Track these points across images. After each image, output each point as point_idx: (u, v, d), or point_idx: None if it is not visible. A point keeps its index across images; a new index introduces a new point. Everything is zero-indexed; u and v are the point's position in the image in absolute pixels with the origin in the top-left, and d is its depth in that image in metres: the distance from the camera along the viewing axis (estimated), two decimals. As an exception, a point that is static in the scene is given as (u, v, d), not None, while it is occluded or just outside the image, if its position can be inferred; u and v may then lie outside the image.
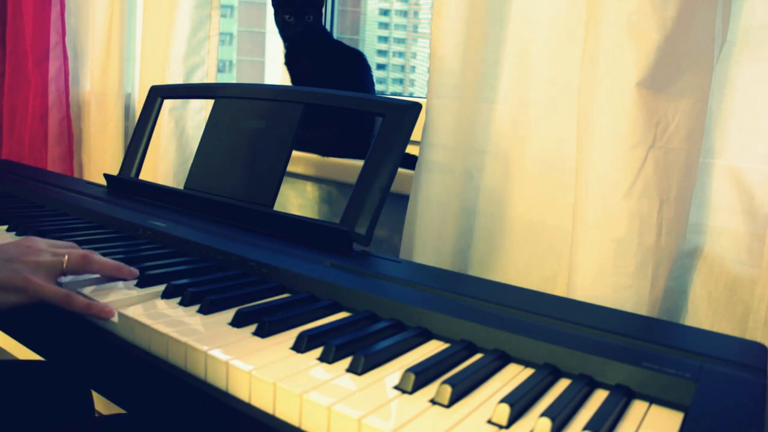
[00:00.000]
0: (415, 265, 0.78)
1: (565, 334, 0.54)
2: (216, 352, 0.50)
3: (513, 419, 0.43)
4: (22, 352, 1.86)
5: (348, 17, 1.62)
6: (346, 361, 0.50)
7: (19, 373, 0.93)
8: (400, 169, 0.82)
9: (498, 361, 0.52)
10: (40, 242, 0.65)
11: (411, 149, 0.88)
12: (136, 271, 0.66)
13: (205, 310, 0.59)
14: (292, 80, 1.22)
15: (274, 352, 0.51)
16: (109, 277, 0.66)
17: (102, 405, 1.60)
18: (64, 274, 0.63)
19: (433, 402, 0.45)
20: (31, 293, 0.60)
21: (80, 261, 0.63)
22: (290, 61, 1.21)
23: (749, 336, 0.69)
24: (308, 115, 0.93)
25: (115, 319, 0.58)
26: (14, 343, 1.89)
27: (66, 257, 0.63)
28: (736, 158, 0.72)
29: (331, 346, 0.51)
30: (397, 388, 0.47)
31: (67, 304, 0.60)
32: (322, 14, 1.20)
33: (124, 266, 0.65)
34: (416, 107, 0.82)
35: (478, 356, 0.54)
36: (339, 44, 1.22)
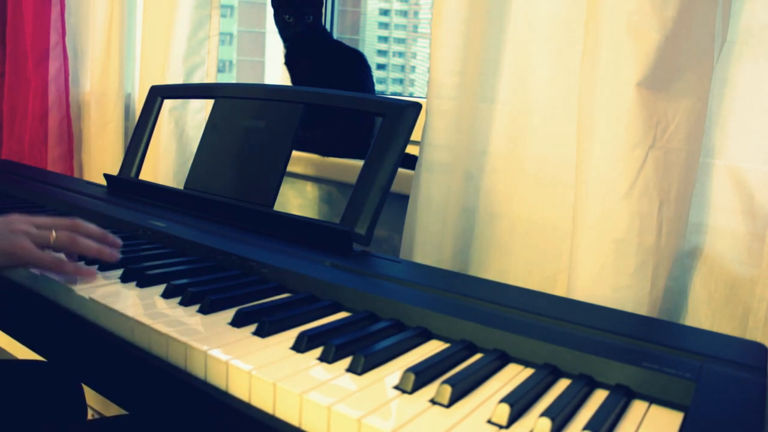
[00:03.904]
0: (415, 265, 0.78)
1: (565, 334, 0.54)
2: (216, 352, 0.50)
3: (513, 419, 0.43)
4: (22, 352, 1.86)
5: (348, 17, 1.62)
6: (346, 361, 0.50)
7: (18, 373, 0.93)
8: (400, 169, 0.82)
9: (498, 361, 0.52)
10: (23, 216, 0.66)
11: (411, 149, 0.88)
12: (117, 255, 0.67)
13: (205, 310, 0.59)
14: (293, 80, 1.22)
15: (274, 352, 0.51)
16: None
17: (101, 404, 1.60)
18: (51, 248, 0.63)
19: (433, 402, 0.45)
20: (20, 257, 0.60)
21: (66, 240, 0.64)
22: (290, 61, 1.21)
23: (749, 336, 0.69)
24: (308, 115, 0.93)
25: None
26: (14, 343, 1.89)
27: (54, 233, 0.63)
28: (736, 158, 0.72)
29: (331, 346, 0.51)
30: (397, 388, 0.47)
31: (58, 268, 0.61)
32: (321, 14, 1.20)
33: (104, 249, 0.66)
34: (416, 107, 0.82)
35: (478, 356, 0.54)
36: (339, 44, 1.22)
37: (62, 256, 0.66)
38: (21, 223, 0.63)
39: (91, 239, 0.67)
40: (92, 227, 0.68)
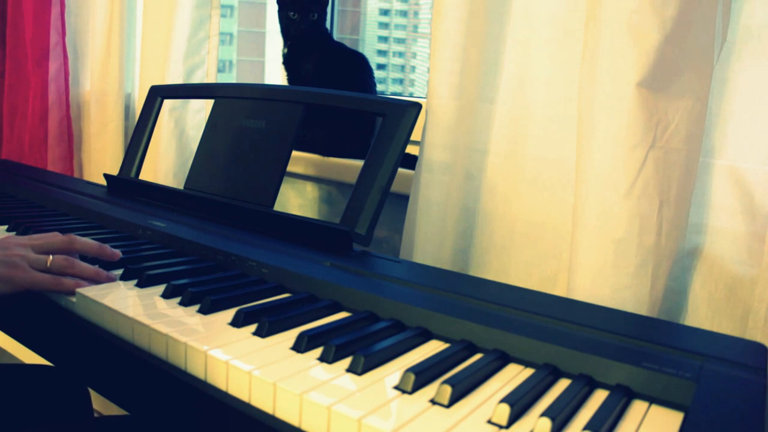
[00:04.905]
0: (415, 265, 0.78)
1: (565, 334, 0.54)
2: (216, 352, 0.50)
3: (513, 419, 0.43)
4: (27, 357, 1.86)
5: (348, 17, 1.62)
6: (346, 361, 0.50)
7: (25, 377, 0.93)
8: (400, 169, 0.82)
9: (498, 361, 0.52)
10: (18, 239, 0.66)
11: (411, 149, 0.88)
12: (114, 276, 0.67)
13: (204, 310, 0.59)
14: (289, 80, 1.22)
15: (274, 352, 0.51)
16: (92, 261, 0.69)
17: (101, 404, 1.60)
18: (48, 272, 0.64)
19: (433, 402, 0.45)
20: (19, 282, 0.61)
21: (63, 264, 0.64)
22: (291, 61, 1.21)
23: (749, 336, 0.69)
24: (308, 115, 0.93)
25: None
26: (21, 348, 1.89)
27: (51, 258, 0.64)
28: (736, 158, 0.72)
29: (331, 346, 0.51)
30: (397, 388, 0.47)
31: (57, 287, 0.62)
32: (326, 14, 1.20)
33: (102, 271, 0.66)
34: (416, 107, 0.82)
35: (478, 356, 0.54)
36: (341, 46, 1.22)
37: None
38: (17, 247, 0.64)
39: (88, 252, 0.68)
40: (89, 242, 0.68)
